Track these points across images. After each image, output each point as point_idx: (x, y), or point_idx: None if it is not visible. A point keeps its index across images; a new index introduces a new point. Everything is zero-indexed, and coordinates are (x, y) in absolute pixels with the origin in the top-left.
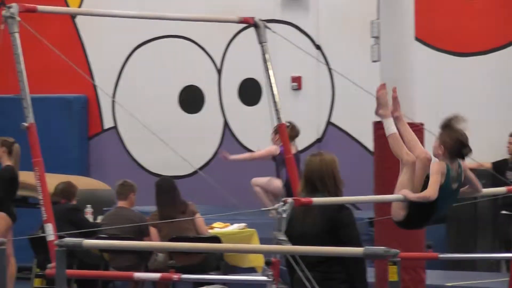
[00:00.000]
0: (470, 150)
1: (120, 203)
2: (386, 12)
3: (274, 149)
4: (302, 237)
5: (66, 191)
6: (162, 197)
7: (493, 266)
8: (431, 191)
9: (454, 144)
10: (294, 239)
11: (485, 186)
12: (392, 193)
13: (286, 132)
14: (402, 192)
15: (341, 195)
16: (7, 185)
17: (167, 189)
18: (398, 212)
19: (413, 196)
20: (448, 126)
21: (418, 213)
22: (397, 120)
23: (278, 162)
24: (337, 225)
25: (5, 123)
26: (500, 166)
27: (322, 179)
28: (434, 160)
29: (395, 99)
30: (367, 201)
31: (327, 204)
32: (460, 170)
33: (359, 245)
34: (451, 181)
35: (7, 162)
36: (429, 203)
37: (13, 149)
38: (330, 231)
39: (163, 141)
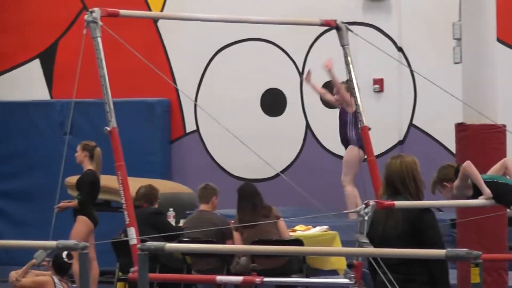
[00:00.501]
0: None
1: (202, 207)
2: (468, 14)
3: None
4: (384, 239)
5: (148, 195)
6: (244, 203)
7: None
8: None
9: (450, 169)
10: (376, 242)
11: None
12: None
13: (369, 135)
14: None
15: (422, 197)
16: (89, 189)
17: (249, 195)
18: (467, 192)
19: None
20: None
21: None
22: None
23: (341, 122)
24: (420, 227)
25: (88, 127)
26: None
27: (403, 181)
28: None
29: None
30: (450, 205)
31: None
32: None
33: (442, 247)
34: None
35: (89, 166)
36: None
37: (94, 153)
38: (413, 234)
39: (245, 144)
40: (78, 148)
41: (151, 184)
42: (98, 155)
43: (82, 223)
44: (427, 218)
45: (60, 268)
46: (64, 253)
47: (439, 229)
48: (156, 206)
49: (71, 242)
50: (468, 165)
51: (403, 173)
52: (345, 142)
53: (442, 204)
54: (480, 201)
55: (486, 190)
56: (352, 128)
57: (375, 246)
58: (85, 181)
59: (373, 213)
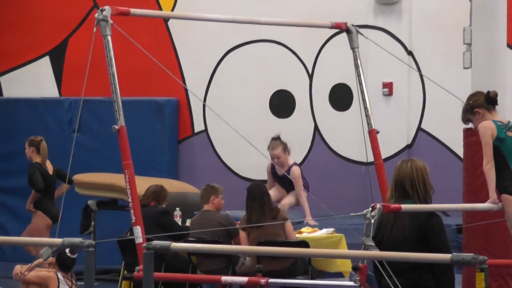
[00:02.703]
0: (494, 93)
1: (205, 207)
2: (479, 19)
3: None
4: (391, 243)
5: (157, 194)
6: (253, 202)
7: None
8: (485, 159)
9: (480, 96)
10: (383, 245)
11: None
12: (482, 200)
13: (377, 138)
14: (489, 202)
15: (430, 202)
16: (38, 179)
17: (257, 195)
18: None
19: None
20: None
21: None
22: None
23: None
24: (428, 232)
25: (97, 125)
26: None
27: (412, 185)
28: None
29: None
30: (457, 209)
31: (417, 211)
32: (509, 122)
33: (449, 252)
34: (504, 131)
35: (37, 159)
36: (500, 159)
37: (40, 147)
38: (420, 238)
39: (253, 145)
40: (26, 145)
41: (161, 185)
42: (44, 147)
43: (37, 218)
44: (434, 223)
45: (64, 264)
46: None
47: (445, 235)
48: (164, 206)
49: (77, 240)
50: (490, 168)
51: (413, 177)
52: None
53: (448, 208)
54: (486, 205)
55: (493, 196)
56: None
57: (382, 250)
58: (32, 173)
59: (381, 216)
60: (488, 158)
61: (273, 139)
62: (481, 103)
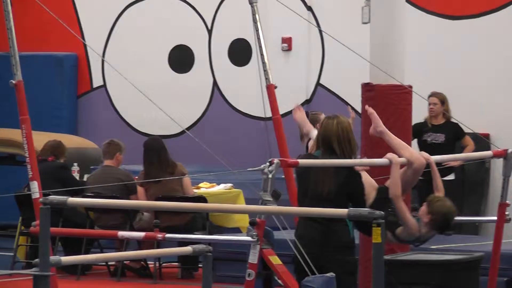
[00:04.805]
0: (451, 230)
1: (107, 162)
2: None
3: None
4: (314, 197)
5: (55, 148)
6: (150, 157)
7: (477, 229)
8: (395, 192)
9: (442, 222)
10: (307, 199)
11: None
12: (380, 156)
13: (274, 93)
14: (388, 155)
15: (355, 157)
16: None
17: (155, 149)
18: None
19: (394, 170)
20: (442, 200)
21: None
22: (381, 134)
23: None
24: (349, 189)
25: None
26: (419, 128)
27: (339, 143)
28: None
29: (371, 114)
30: (355, 164)
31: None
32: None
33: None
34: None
35: None
36: None
37: None
38: (341, 193)
39: (151, 100)
40: None
41: (60, 140)
42: None
43: None
44: (355, 180)
45: None
46: None
47: (360, 198)
48: (62, 161)
49: None
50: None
51: (339, 135)
52: None
53: (346, 163)
54: (383, 160)
55: (392, 191)
56: None
57: (306, 203)
58: None
59: (306, 170)
60: (397, 193)
61: None
62: (435, 221)
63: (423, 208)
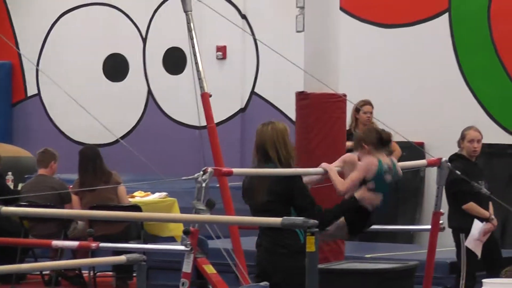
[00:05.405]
0: (388, 135)
1: (41, 171)
2: None
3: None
4: (257, 206)
5: None
6: (86, 165)
7: (412, 238)
8: (343, 187)
9: (377, 137)
10: (252, 209)
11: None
12: (313, 165)
13: (209, 101)
14: (322, 165)
15: (293, 164)
16: None
17: (91, 157)
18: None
19: (332, 174)
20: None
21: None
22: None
23: None
24: (291, 194)
25: None
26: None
27: (274, 148)
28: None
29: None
30: (288, 173)
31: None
32: (393, 164)
33: (313, 210)
34: (384, 174)
35: None
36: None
37: None
38: (284, 200)
39: (85, 109)
40: None
41: None
42: None
43: None
44: (296, 185)
45: None
46: None
47: (308, 194)
48: None
49: None
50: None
51: (274, 140)
52: None
53: (278, 172)
54: (317, 169)
55: (337, 187)
56: None
57: (255, 213)
58: None
59: (249, 180)
60: (344, 188)
61: None
62: (372, 141)
63: (357, 154)
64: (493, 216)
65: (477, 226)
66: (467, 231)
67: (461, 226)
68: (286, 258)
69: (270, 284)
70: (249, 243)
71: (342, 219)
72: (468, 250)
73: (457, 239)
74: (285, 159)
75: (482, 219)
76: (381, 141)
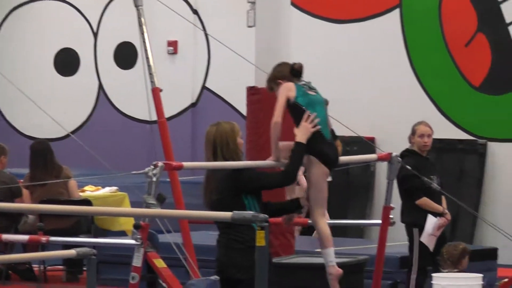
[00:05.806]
0: (300, 65)
1: None
2: None
3: None
4: (210, 203)
5: None
6: (37, 160)
7: (362, 233)
8: (274, 116)
9: (284, 67)
10: (208, 206)
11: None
12: (264, 158)
13: (160, 96)
14: (270, 159)
15: (239, 159)
16: None
17: (42, 152)
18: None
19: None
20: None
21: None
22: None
23: None
24: (241, 185)
25: None
26: None
27: (219, 146)
28: None
29: None
30: (239, 166)
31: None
32: (309, 83)
33: (280, 175)
34: (305, 89)
35: None
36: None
37: None
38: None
39: (35, 103)
40: None
41: None
42: None
43: None
44: (248, 174)
45: None
46: None
47: (265, 172)
48: None
49: None
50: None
51: (216, 141)
52: None
53: (230, 165)
54: (268, 162)
55: (276, 153)
56: None
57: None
58: None
59: (203, 180)
60: (276, 115)
61: None
62: (284, 75)
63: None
64: (446, 211)
65: (431, 221)
66: (420, 226)
67: (414, 221)
68: (243, 253)
69: (228, 279)
70: (199, 237)
71: (310, 157)
72: (421, 244)
73: (410, 234)
74: (230, 156)
75: (435, 214)
76: (293, 71)
